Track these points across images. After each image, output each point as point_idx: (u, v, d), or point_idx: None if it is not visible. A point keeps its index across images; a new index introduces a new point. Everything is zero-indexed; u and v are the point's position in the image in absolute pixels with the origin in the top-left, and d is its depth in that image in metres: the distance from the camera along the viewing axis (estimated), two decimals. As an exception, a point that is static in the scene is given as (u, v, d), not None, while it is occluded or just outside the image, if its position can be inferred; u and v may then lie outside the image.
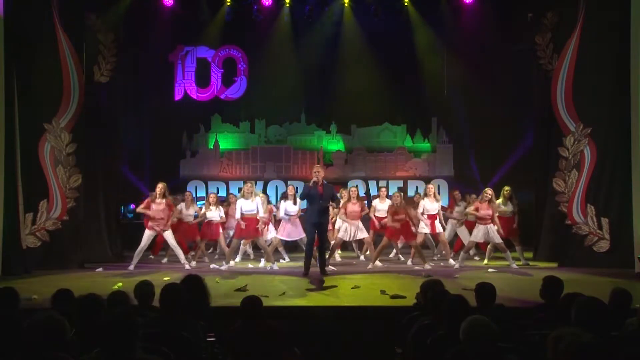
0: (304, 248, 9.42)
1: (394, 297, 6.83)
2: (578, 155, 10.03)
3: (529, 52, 10.83)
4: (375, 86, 13.79)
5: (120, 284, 7.69)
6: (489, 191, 9.70)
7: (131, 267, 9.48)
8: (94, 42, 10.51)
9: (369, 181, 13.82)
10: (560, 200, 10.14)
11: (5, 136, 9.12)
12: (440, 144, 14.35)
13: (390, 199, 10.15)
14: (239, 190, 10.82)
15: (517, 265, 9.64)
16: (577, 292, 4.32)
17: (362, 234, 10.03)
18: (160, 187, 9.73)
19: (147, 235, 9.62)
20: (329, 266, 9.33)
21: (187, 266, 9.66)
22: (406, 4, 13.19)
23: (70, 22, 10.06)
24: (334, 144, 14.61)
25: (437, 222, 10.02)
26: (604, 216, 9.75)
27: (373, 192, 13.58)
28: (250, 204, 9.57)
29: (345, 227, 9.93)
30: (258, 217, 9.57)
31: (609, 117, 9.79)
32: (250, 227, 9.54)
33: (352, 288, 7.60)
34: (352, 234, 9.95)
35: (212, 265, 9.90)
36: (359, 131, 14.63)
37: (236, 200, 10.09)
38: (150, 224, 9.62)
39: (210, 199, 10.30)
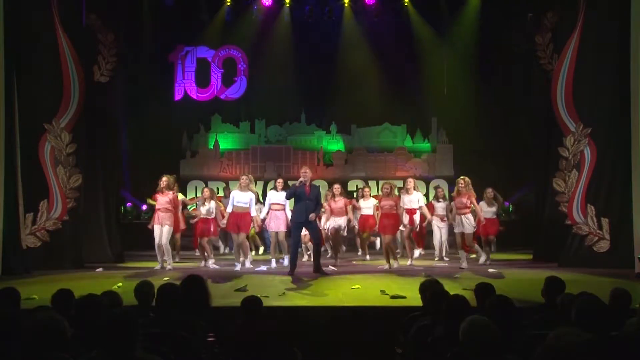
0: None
1: (394, 297, 6.83)
2: (578, 155, 10.02)
3: (529, 52, 10.83)
4: (375, 86, 13.81)
5: (120, 284, 7.69)
6: (460, 181, 9.67)
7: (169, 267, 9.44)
8: (94, 42, 10.50)
9: (369, 181, 13.82)
10: (560, 200, 10.14)
11: (5, 136, 9.12)
12: (440, 144, 14.36)
13: (381, 189, 10.15)
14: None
15: (463, 266, 9.43)
16: (584, 290, 4.31)
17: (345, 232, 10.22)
18: (164, 179, 9.64)
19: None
20: (329, 266, 9.33)
21: (161, 267, 9.51)
22: (406, 4, 13.21)
23: (70, 22, 10.05)
24: (334, 144, 14.61)
25: (415, 217, 9.97)
26: (604, 216, 9.74)
27: (372, 192, 13.58)
28: (243, 196, 9.50)
29: (331, 221, 10.13)
30: (251, 214, 9.53)
31: (609, 117, 9.79)
32: (243, 221, 9.48)
33: (352, 288, 7.59)
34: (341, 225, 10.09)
35: (212, 265, 9.89)
36: (359, 131, 14.64)
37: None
38: (155, 216, 9.51)
39: (205, 194, 10.31)
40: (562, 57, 10.10)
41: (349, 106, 13.99)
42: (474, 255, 10.37)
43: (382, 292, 7.18)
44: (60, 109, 9.94)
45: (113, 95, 10.89)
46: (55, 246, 9.79)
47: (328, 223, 10.22)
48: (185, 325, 3.96)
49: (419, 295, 4.79)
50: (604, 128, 9.83)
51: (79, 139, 10.11)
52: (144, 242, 11.86)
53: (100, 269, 9.55)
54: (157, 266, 9.52)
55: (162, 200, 9.49)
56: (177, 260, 10.31)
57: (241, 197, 9.52)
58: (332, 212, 10.18)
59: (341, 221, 10.18)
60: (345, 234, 10.36)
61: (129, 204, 13.48)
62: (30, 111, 9.62)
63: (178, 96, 14.45)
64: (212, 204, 10.15)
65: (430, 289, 4.58)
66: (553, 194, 10.20)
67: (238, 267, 9.47)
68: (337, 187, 10.50)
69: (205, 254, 10.02)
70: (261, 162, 14.35)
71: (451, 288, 5.08)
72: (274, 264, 9.74)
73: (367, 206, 10.55)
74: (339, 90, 13.77)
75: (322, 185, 11.94)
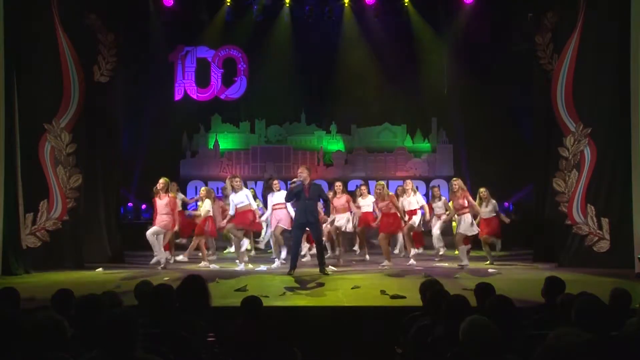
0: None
1: (394, 297, 6.82)
2: (578, 155, 10.02)
3: (529, 52, 10.83)
4: (375, 86, 13.82)
5: (120, 284, 7.68)
6: (454, 184, 9.76)
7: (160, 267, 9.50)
8: (94, 42, 10.50)
9: (369, 181, 13.82)
10: (560, 200, 10.14)
11: (5, 136, 9.12)
12: (440, 144, 14.36)
13: (375, 191, 10.20)
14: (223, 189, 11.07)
15: (463, 265, 9.41)
16: (584, 290, 4.32)
17: (349, 227, 10.25)
18: (161, 182, 9.69)
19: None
20: (329, 266, 9.33)
21: (164, 266, 9.55)
22: (406, 4, 13.21)
23: (70, 22, 10.05)
24: (334, 144, 14.62)
25: (415, 217, 10.08)
26: (604, 216, 9.74)
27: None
28: (239, 196, 9.61)
29: (335, 219, 10.26)
30: (252, 209, 9.70)
31: (609, 117, 9.78)
32: (247, 218, 9.62)
33: (352, 288, 7.59)
34: (343, 225, 10.21)
35: (212, 265, 9.90)
36: (359, 131, 14.65)
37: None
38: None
39: (201, 194, 10.36)
40: (562, 57, 10.10)
41: (349, 106, 14.00)
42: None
43: (382, 292, 7.18)
44: (60, 109, 9.94)
45: (113, 95, 10.89)
46: (55, 246, 9.79)
47: (330, 220, 10.29)
48: (185, 325, 3.96)
49: (419, 295, 4.80)
50: (604, 128, 9.83)
51: (79, 139, 10.12)
52: (144, 242, 11.84)
53: (100, 269, 9.55)
54: (160, 266, 9.55)
55: (161, 203, 9.58)
56: (168, 257, 10.24)
57: (238, 198, 9.63)
58: (335, 210, 10.31)
59: (343, 220, 10.25)
60: (349, 229, 10.38)
61: (130, 205, 13.49)
62: (30, 111, 9.61)
63: (178, 96, 14.46)
64: (207, 203, 10.16)
65: (430, 289, 4.58)
66: (553, 194, 10.20)
67: (241, 267, 9.52)
68: (338, 185, 10.66)
69: (200, 253, 10.10)
70: (261, 162, 14.35)
71: (451, 288, 5.07)
72: (277, 263, 9.75)
73: (367, 204, 10.58)
74: (339, 90, 13.77)
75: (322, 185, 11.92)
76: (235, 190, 9.70)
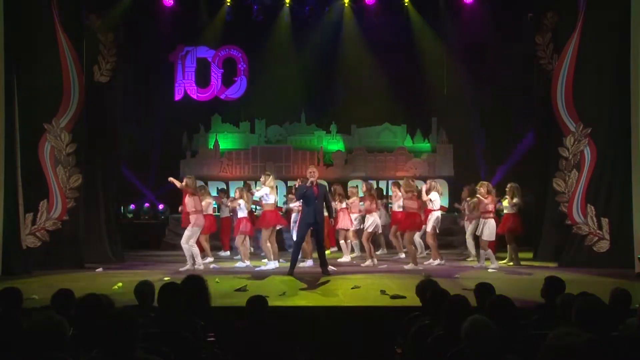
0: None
1: (394, 297, 6.83)
2: (578, 155, 10.03)
3: (529, 52, 10.83)
4: (375, 86, 13.82)
5: (120, 284, 7.69)
6: (484, 186, 9.68)
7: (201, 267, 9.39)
8: (94, 42, 10.51)
9: (369, 181, 13.82)
10: (561, 200, 10.14)
11: (5, 136, 9.12)
12: (440, 144, 14.36)
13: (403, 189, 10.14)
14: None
15: (489, 268, 9.32)
16: (584, 290, 4.32)
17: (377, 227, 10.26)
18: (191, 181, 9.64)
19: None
20: (330, 266, 9.33)
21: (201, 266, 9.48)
22: (406, 4, 13.21)
23: (70, 22, 10.06)
24: (334, 144, 14.61)
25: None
26: (604, 216, 9.75)
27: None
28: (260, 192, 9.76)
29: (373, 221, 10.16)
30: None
31: (609, 117, 9.79)
32: (273, 217, 9.68)
33: (352, 288, 7.59)
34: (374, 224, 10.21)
35: (213, 265, 9.90)
36: (359, 131, 14.64)
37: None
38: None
39: (237, 194, 10.41)
40: (562, 57, 10.10)
41: (349, 106, 14.00)
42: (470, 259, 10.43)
43: (382, 292, 7.18)
44: (60, 109, 9.94)
45: (113, 95, 10.90)
46: (55, 246, 9.78)
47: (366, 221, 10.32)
48: (185, 325, 3.96)
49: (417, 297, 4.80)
50: (604, 128, 9.84)
51: (79, 139, 10.11)
52: (144, 242, 11.86)
53: (100, 269, 9.54)
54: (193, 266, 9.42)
55: (190, 202, 9.45)
56: (206, 261, 10.20)
57: (259, 193, 9.84)
58: (365, 211, 10.37)
59: (376, 219, 10.19)
60: (379, 230, 10.49)
61: (132, 206, 13.48)
62: (30, 111, 9.61)
63: (178, 96, 14.46)
64: (242, 203, 10.20)
65: (430, 288, 4.58)
66: (553, 194, 10.21)
67: (241, 265, 9.67)
68: (363, 188, 10.71)
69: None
70: (261, 162, 14.33)
71: (451, 288, 5.07)
72: (310, 262, 9.82)
73: (398, 205, 10.59)
74: (339, 90, 13.78)
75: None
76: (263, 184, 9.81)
